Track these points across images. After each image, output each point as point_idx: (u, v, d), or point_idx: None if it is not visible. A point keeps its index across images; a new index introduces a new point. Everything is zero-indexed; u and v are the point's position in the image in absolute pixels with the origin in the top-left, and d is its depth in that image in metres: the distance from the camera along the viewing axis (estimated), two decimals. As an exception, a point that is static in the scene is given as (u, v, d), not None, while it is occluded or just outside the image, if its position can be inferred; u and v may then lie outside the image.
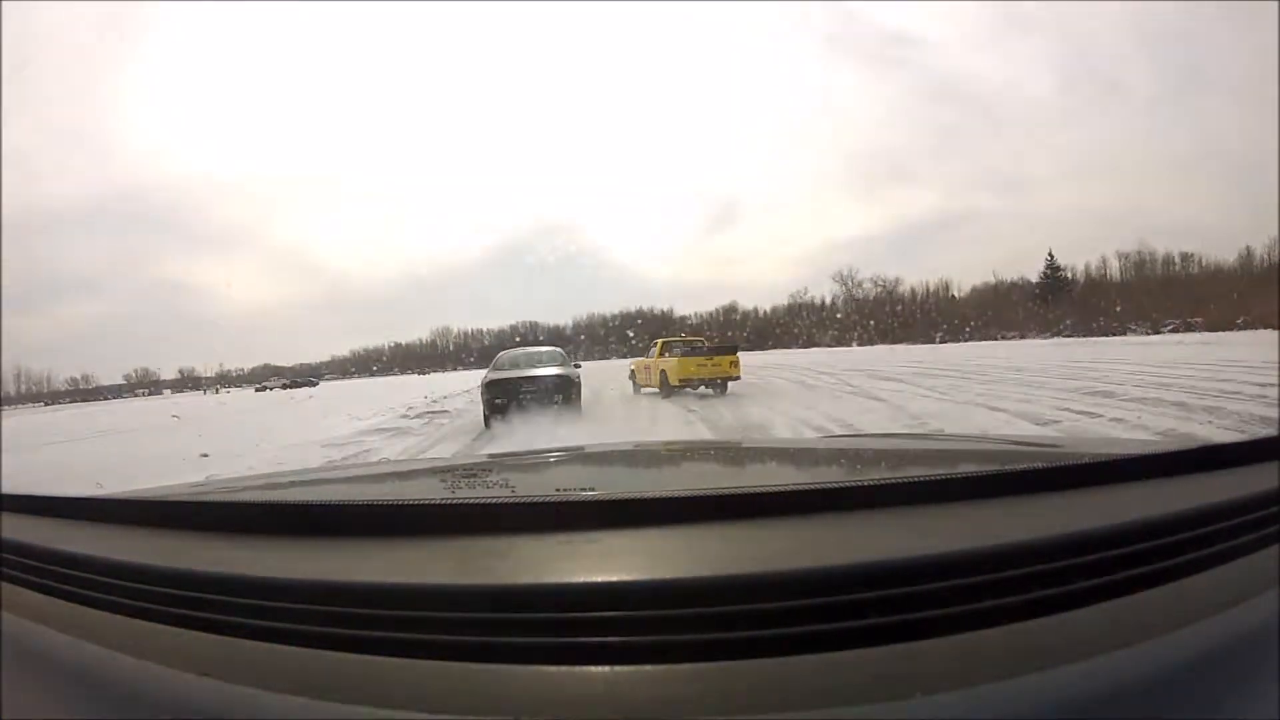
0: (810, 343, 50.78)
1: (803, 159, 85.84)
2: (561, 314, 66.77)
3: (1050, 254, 52.66)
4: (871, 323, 52.90)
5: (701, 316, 62.33)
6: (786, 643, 0.46)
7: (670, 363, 12.63)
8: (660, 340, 14.19)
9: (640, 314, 61.79)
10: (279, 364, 60.35)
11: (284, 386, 43.24)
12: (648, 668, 0.46)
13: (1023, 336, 43.35)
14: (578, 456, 1.70)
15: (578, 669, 0.46)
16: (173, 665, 0.52)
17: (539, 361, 10.12)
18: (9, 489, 0.93)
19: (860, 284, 59.96)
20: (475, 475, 1.05)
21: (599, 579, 0.53)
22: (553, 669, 0.46)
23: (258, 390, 43.12)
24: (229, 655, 0.52)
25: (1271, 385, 7.60)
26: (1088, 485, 0.69)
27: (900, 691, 0.42)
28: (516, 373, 9.61)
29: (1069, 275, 51.87)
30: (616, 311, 62.78)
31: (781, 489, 0.67)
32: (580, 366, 10.89)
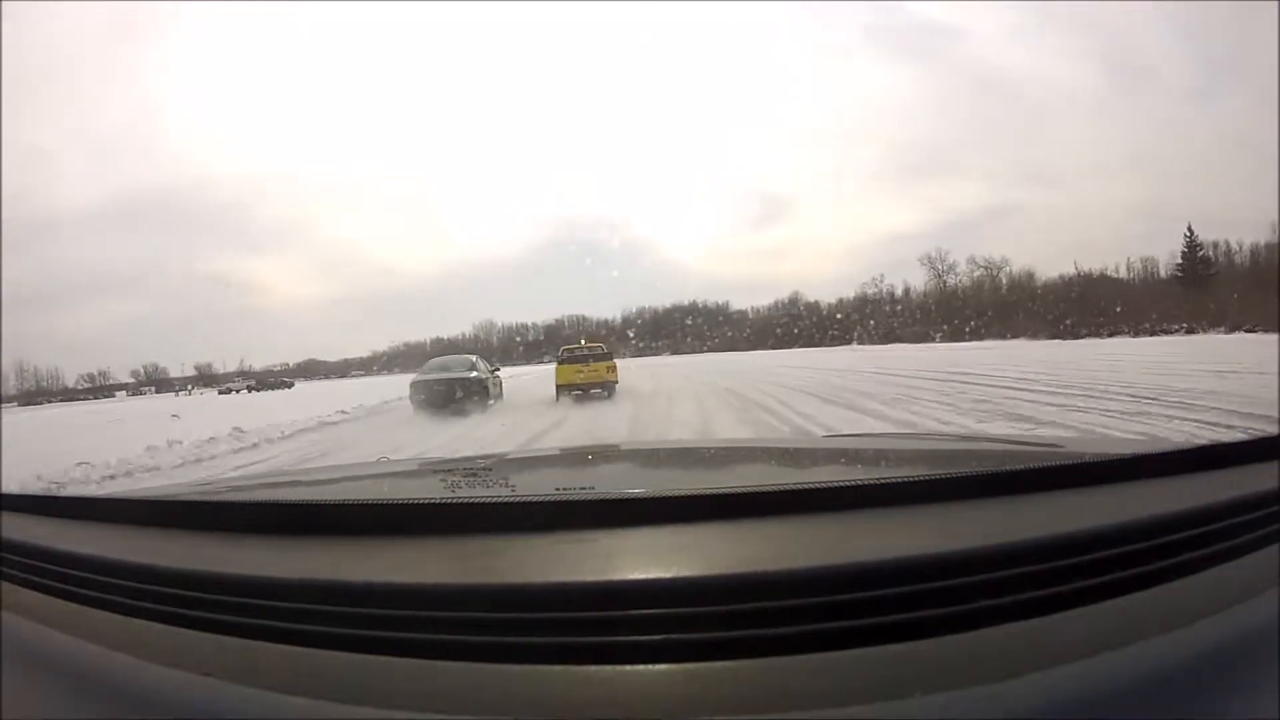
0: (889, 337, 45.25)
1: (847, 153, 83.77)
2: (611, 307, 65.90)
3: (1189, 229, 43.21)
4: (969, 315, 44.19)
5: (759, 310, 60.19)
6: (786, 642, 0.46)
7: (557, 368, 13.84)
8: (564, 347, 15.47)
9: (694, 307, 60.10)
10: (323, 359, 60.32)
11: (249, 389, 41.38)
12: (648, 668, 0.46)
13: (1190, 331, 33.70)
14: (578, 456, 1.70)
15: (578, 669, 0.46)
16: (173, 665, 0.52)
17: (454, 367, 12.83)
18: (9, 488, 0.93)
19: (952, 267, 51.52)
20: (475, 475, 1.05)
21: (598, 579, 0.53)
22: (553, 669, 0.46)
23: (220, 393, 40.77)
24: (229, 655, 0.52)
25: None
26: (1088, 485, 0.69)
27: (900, 691, 0.42)
28: (435, 375, 12.24)
29: (1211, 258, 42.29)
30: (669, 305, 61.15)
31: (781, 489, 0.67)
32: (499, 370, 14.56)
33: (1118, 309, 39.47)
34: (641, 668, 0.46)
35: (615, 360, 14.00)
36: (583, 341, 17.55)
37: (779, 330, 51.98)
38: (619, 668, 0.46)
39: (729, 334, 53.68)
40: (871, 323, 50.25)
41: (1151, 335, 33.13)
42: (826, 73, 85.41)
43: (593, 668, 0.46)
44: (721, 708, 0.43)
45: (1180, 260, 44.19)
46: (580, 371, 13.33)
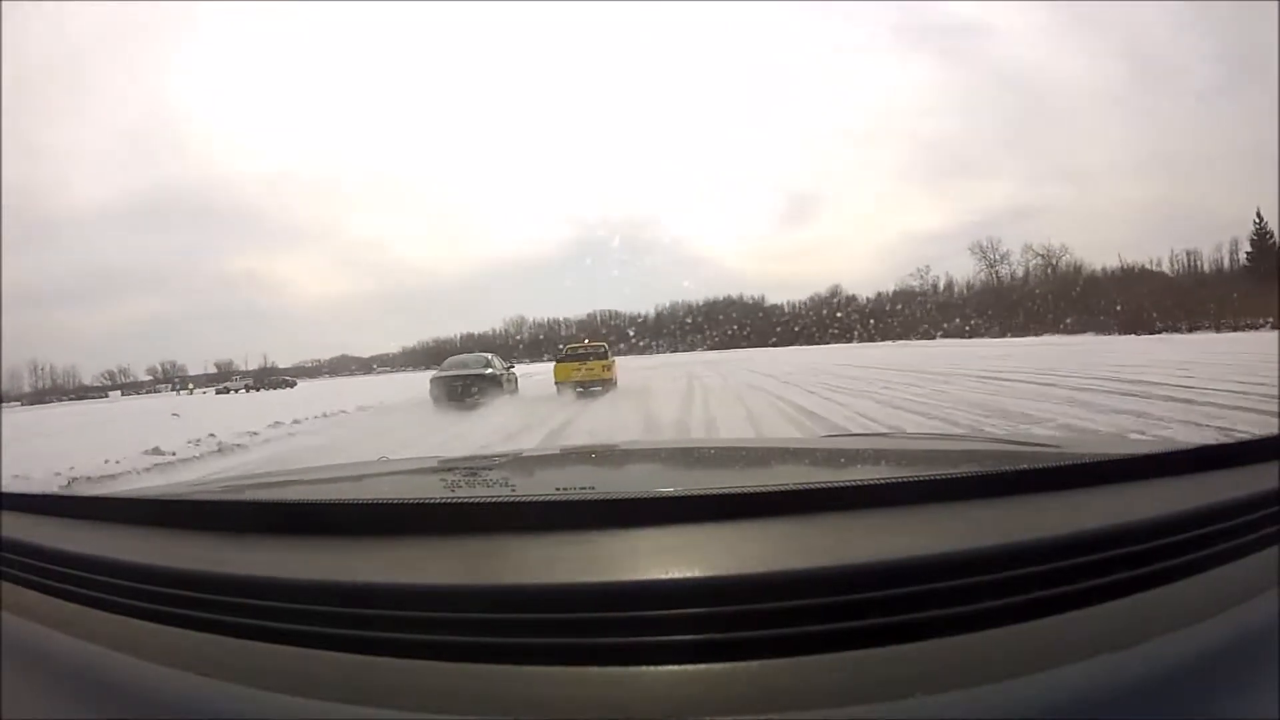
0: (930, 333, 42.25)
1: (875, 151, 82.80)
2: (643, 303, 64.99)
3: (1259, 215, 38.80)
4: (1036, 307, 40.20)
5: (795, 305, 58.19)
6: (786, 643, 0.46)
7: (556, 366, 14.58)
8: (565, 346, 16.27)
9: (729, 302, 58.68)
10: (356, 355, 60.64)
11: (246, 388, 40.52)
12: (649, 669, 0.46)
13: (1277, 325, 27.02)
14: (578, 456, 1.70)
15: (578, 670, 0.46)
16: (173, 665, 0.52)
17: (469, 364, 14.13)
18: (9, 488, 0.93)
19: (1005, 256, 47.82)
20: (475, 474, 1.05)
21: (599, 579, 0.53)
22: (553, 669, 0.46)
23: (218, 392, 39.95)
24: (229, 655, 0.52)
25: None
26: (1088, 485, 0.69)
27: (900, 691, 0.42)
28: (451, 372, 13.47)
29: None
30: (703, 300, 59.97)
31: (781, 489, 0.67)
32: (513, 367, 15.73)
33: (1205, 303, 36.17)
34: (642, 669, 0.46)
35: (614, 359, 14.69)
36: (586, 340, 18.10)
37: (831, 330, 48.53)
38: (620, 669, 0.46)
39: (766, 330, 51.18)
40: (925, 316, 46.50)
41: (1235, 331, 29.89)
42: (851, 72, 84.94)
43: (593, 668, 0.46)
44: (723, 708, 0.43)
45: (1250, 249, 40.29)
46: (578, 369, 13.82)
